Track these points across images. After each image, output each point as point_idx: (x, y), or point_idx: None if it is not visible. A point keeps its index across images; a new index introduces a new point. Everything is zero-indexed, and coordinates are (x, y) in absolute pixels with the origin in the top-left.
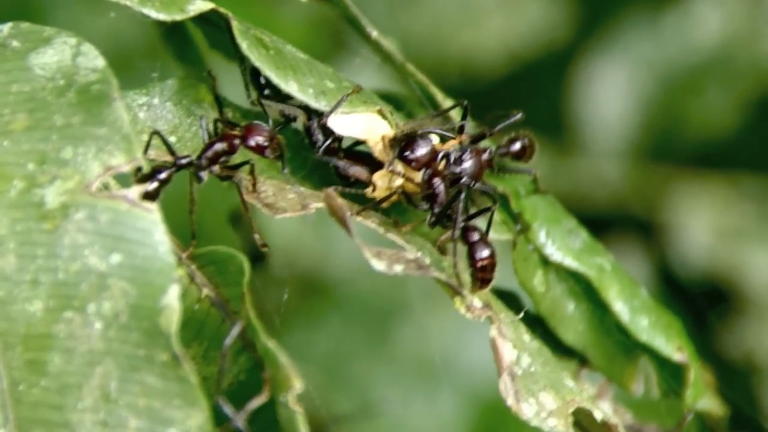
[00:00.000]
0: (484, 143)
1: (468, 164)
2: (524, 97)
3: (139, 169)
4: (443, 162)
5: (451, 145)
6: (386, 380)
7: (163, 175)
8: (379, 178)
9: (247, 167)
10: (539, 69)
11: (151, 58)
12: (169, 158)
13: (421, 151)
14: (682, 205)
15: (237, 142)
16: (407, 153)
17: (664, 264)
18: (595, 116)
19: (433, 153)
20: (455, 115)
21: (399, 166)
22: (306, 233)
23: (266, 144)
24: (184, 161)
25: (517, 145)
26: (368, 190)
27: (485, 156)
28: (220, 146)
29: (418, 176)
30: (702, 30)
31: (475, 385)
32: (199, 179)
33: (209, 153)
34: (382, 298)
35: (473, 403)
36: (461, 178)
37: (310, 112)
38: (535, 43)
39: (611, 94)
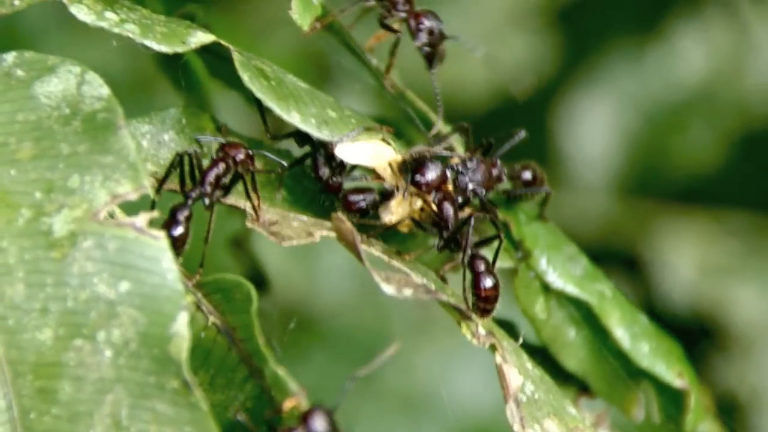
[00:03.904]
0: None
1: (477, 174)
2: (508, 131)
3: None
4: (452, 180)
5: (458, 159)
6: (371, 415)
7: (186, 214)
8: (398, 204)
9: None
10: (523, 104)
11: (140, 91)
12: (175, 188)
13: (432, 174)
14: (666, 241)
15: (229, 161)
16: (418, 176)
17: (648, 300)
18: (580, 151)
19: (444, 176)
20: (454, 141)
21: (410, 190)
22: (291, 267)
23: (243, 158)
24: (194, 194)
25: (528, 174)
26: (386, 219)
27: (495, 168)
28: (215, 171)
29: (429, 199)
30: (686, 66)
31: (461, 420)
32: (209, 207)
33: (210, 179)
34: (367, 332)
35: None
36: (471, 191)
37: (315, 147)
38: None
39: (595, 130)
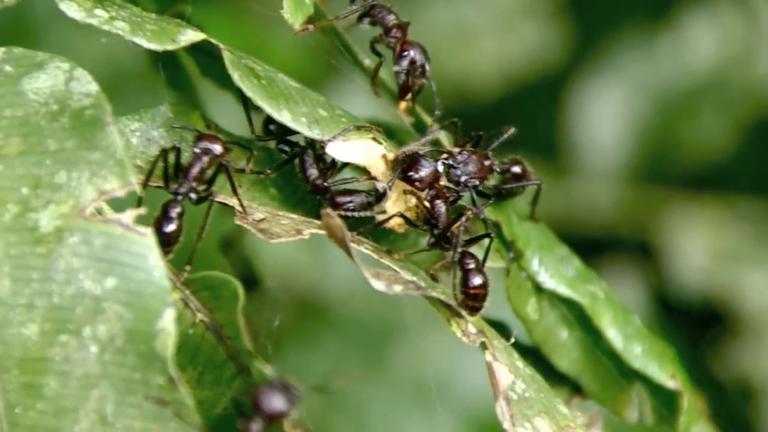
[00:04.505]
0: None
1: (469, 166)
2: (518, 119)
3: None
4: (445, 173)
5: (448, 154)
6: (382, 402)
7: (177, 210)
8: (393, 203)
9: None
10: (533, 92)
11: (146, 82)
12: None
13: (425, 171)
14: (677, 228)
15: (208, 154)
16: (411, 173)
17: (660, 286)
18: (590, 139)
19: (436, 173)
20: (443, 137)
21: (401, 187)
22: (302, 256)
23: (222, 151)
24: (183, 189)
25: (517, 168)
26: (379, 218)
27: (487, 160)
28: (200, 164)
29: (422, 196)
30: (697, 53)
31: (472, 406)
32: (197, 202)
33: (195, 173)
34: (378, 319)
35: (470, 425)
36: (464, 182)
37: (303, 148)
38: (530, 65)
39: (606, 117)
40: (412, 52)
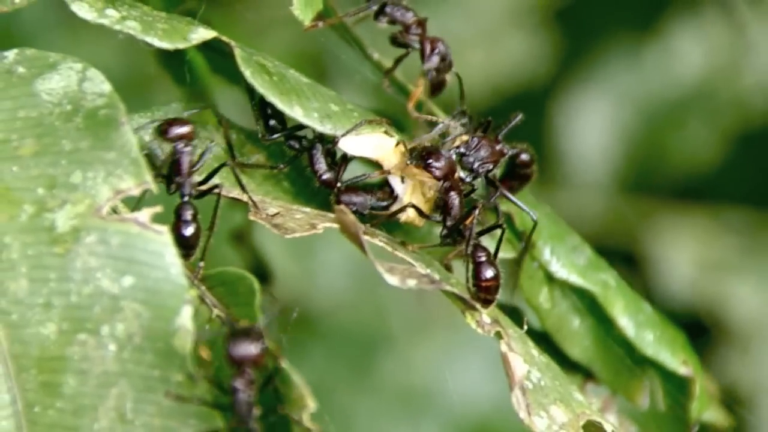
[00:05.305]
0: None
1: (481, 151)
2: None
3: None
4: (458, 161)
5: (459, 141)
6: (370, 411)
7: (191, 212)
8: (413, 194)
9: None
10: (521, 102)
11: (138, 89)
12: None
13: (443, 161)
14: (664, 238)
15: (184, 139)
16: (431, 161)
17: (647, 296)
18: (577, 149)
19: (453, 166)
20: (452, 126)
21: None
22: (289, 265)
23: (184, 133)
24: (186, 190)
25: (525, 155)
26: (402, 216)
27: (498, 144)
28: (188, 157)
29: (437, 187)
30: (684, 64)
31: (459, 415)
32: (198, 196)
33: (185, 168)
34: (365, 330)
35: None
36: (477, 168)
37: (312, 143)
38: (517, 77)
39: (593, 128)
40: (441, 48)
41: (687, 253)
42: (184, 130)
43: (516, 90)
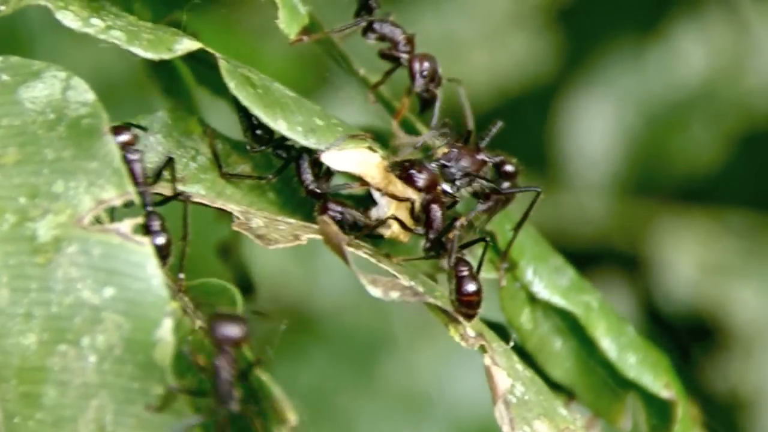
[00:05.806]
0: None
1: (462, 162)
2: (508, 131)
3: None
4: (440, 173)
5: (440, 153)
6: (372, 414)
7: (159, 222)
8: (396, 208)
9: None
10: (524, 103)
11: (139, 90)
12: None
13: (426, 174)
14: (666, 240)
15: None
16: (414, 173)
17: (649, 299)
18: (580, 151)
19: (436, 179)
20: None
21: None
22: (291, 267)
23: (125, 141)
24: (148, 200)
25: (509, 166)
26: (387, 231)
27: (479, 154)
28: (139, 164)
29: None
30: (686, 65)
31: (462, 417)
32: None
33: (139, 176)
34: (367, 331)
35: None
36: (460, 178)
37: (299, 152)
38: (520, 78)
39: (595, 129)
40: (429, 65)
41: (689, 255)
42: (123, 138)
43: (519, 91)
